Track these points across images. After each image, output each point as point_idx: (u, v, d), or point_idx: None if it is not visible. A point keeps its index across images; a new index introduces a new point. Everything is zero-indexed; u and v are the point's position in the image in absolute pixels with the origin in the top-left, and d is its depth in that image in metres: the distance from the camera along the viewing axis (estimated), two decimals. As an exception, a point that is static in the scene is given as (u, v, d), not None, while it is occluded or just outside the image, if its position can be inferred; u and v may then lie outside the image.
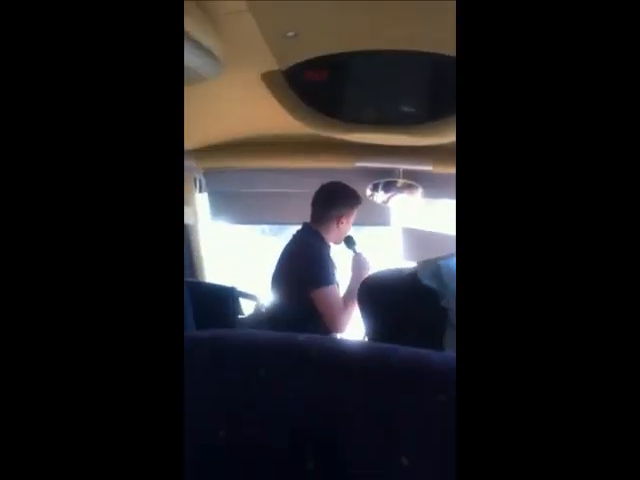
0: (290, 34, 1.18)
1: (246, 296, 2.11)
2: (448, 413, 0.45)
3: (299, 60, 1.32)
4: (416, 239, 2.19)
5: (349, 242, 2.08)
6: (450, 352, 0.55)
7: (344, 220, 2.02)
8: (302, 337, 0.53)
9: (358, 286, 1.82)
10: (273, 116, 1.51)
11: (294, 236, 2.07)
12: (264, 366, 0.50)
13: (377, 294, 0.79)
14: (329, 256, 2.01)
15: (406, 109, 1.43)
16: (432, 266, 0.72)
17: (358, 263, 2.03)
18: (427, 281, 0.71)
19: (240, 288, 2.03)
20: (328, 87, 1.38)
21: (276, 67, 1.35)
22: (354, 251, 2.06)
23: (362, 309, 0.81)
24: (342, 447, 0.48)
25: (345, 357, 0.51)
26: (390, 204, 2.09)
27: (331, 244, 2.06)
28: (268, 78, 1.39)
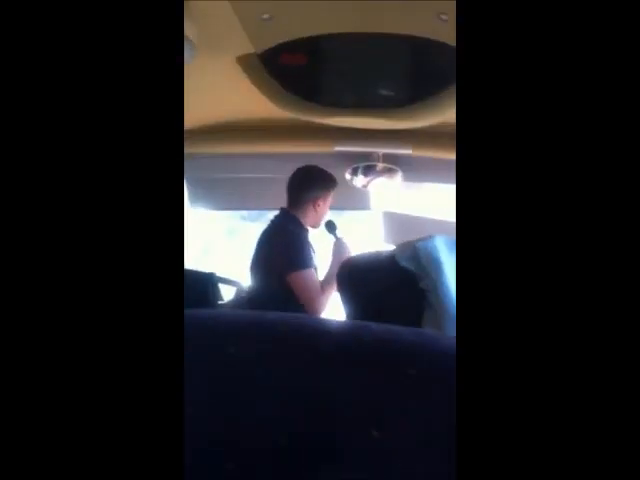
0: (265, 16, 1.16)
1: (226, 282, 2.10)
2: (417, 387, 0.46)
3: (275, 43, 1.31)
4: (396, 223, 2.20)
5: (330, 227, 2.08)
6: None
7: (320, 203, 2.01)
8: (272, 315, 0.53)
9: (337, 271, 1.82)
10: (250, 100, 1.49)
11: (271, 221, 2.06)
12: (233, 344, 0.50)
13: (356, 277, 0.79)
14: (307, 240, 2.00)
15: (385, 92, 1.42)
16: (410, 248, 0.72)
17: (339, 248, 2.03)
18: (405, 263, 0.71)
19: (220, 274, 2.02)
20: (305, 70, 1.37)
21: (252, 50, 1.33)
22: (335, 236, 2.06)
23: (341, 292, 0.81)
24: (313, 421, 0.49)
25: (316, 333, 0.51)
26: (370, 188, 2.08)
27: (309, 228, 2.06)
28: (244, 61, 1.37)
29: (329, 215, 2.11)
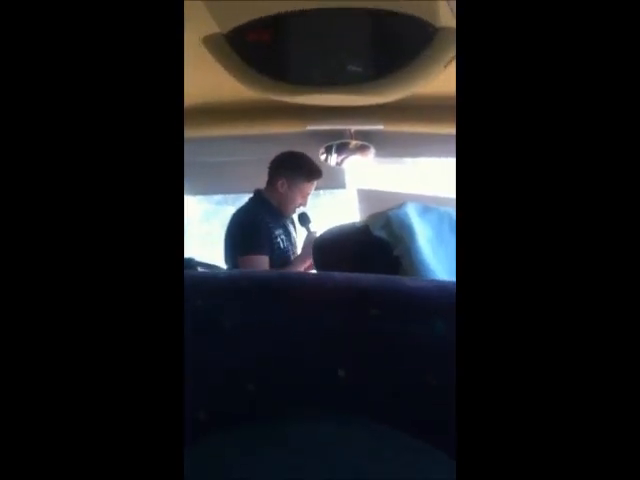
0: (229, -6, 1.15)
1: (204, 266, 2.10)
2: (380, 326, 0.49)
3: (240, 22, 1.29)
4: (371, 199, 2.21)
5: (303, 220, 2.06)
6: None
7: (284, 183, 1.98)
8: (236, 272, 0.55)
9: (300, 265, 1.82)
10: (218, 82, 1.48)
11: (245, 202, 2.06)
12: (200, 297, 0.51)
13: (331, 249, 0.80)
14: (265, 223, 1.96)
15: (352, 68, 1.42)
16: (383, 217, 0.73)
17: (308, 243, 2.01)
18: (378, 232, 0.72)
19: (198, 258, 2.02)
20: (272, 49, 1.36)
21: (217, 30, 1.32)
22: (307, 230, 2.04)
23: (316, 264, 0.82)
24: (279, 366, 0.50)
25: (279, 285, 0.52)
26: (344, 166, 2.08)
27: (281, 213, 2.04)
28: (209, 42, 1.35)
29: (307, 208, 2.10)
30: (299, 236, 2.18)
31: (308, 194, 2.05)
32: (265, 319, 0.51)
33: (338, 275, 0.53)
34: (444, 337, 0.48)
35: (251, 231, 1.93)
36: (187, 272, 0.53)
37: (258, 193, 2.04)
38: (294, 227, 2.17)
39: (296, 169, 2.00)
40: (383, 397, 0.49)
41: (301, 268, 1.94)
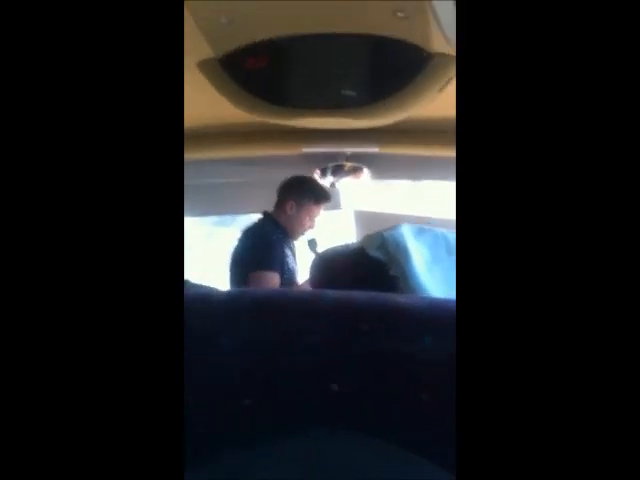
0: (224, 20, 1.16)
1: (200, 288, 2.09)
2: (370, 341, 0.50)
3: (236, 47, 1.31)
4: (368, 221, 2.22)
5: (311, 244, 2.08)
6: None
7: (292, 205, 2.00)
8: (231, 290, 0.56)
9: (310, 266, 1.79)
10: (214, 106, 1.49)
11: (253, 222, 2.07)
12: (196, 316, 0.52)
13: (328, 270, 0.80)
14: (278, 242, 1.98)
15: (347, 92, 1.44)
16: (378, 238, 0.73)
17: None
18: (374, 253, 0.72)
19: (194, 280, 2.01)
20: (268, 73, 1.37)
21: (212, 55, 1.34)
22: (315, 254, 2.05)
23: (313, 286, 0.82)
24: (275, 384, 0.51)
25: (274, 302, 0.53)
26: (338, 187, 2.09)
27: (290, 235, 2.06)
28: (205, 67, 1.37)
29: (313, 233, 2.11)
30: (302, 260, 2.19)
31: (316, 217, 2.07)
32: (260, 335, 0.52)
33: (331, 293, 0.54)
34: (432, 352, 0.50)
35: (264, 247, 1.95)
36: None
37: (267, 215, 2.06)
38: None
39: (305, 192, 2.02)
40: (375, 411, 0.50)
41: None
